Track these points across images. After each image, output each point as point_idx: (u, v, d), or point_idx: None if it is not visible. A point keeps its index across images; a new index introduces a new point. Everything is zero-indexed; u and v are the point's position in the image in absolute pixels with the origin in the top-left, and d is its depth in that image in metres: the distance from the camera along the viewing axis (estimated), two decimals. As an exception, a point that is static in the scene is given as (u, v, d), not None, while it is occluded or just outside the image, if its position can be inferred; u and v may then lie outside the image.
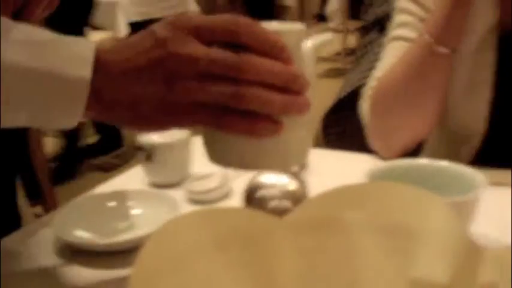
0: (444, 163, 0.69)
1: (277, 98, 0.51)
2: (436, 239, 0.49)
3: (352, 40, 5.02)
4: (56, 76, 0.52)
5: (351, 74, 1.42)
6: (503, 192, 0.83)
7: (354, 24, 4.74)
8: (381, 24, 1.29)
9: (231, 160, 0.56)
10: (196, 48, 0.52)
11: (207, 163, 0.91)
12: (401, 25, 0.97)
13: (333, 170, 0.92)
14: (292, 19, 8.50)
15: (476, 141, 0.95)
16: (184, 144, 0.89)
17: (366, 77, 1.04)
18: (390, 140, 0.94)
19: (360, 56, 1.38)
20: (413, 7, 0.96)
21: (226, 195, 0.84)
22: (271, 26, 0.54)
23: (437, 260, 0.48)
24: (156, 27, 0.54)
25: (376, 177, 0.64)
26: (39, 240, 0.74)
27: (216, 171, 0.87)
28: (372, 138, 0.96)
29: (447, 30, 0.87)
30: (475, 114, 0.94)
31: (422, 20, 0.94)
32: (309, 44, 0.58)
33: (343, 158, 1.00)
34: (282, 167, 0.65)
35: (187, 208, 0.81)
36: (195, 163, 0.92)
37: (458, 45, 0.88)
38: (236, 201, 0.79)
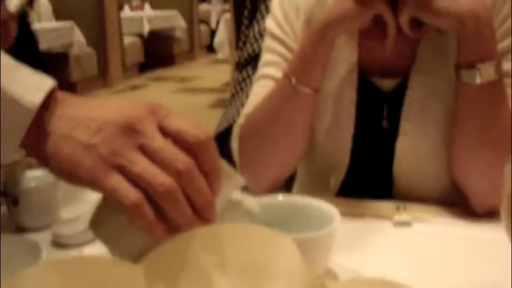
0: (302, 199, 0.72)
1: (189, 213, 0.53)
2: (283, 276, 0.51)
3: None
4: (7, 95, 0.52)
5: (228, 109, 1.45)
6: (364, 223, 0.87)
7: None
8: (255, 61, 1.33)
9: (114, 242, 0.56)
10: (155, 132, 0.53)
11: (76, 206, 0.90)
12: (268, 64, 1.01)
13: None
14: (182, 51, 8.54)
15: (342, 173, 1.00)
16: (51, 188, 0.88)
17: (239, 113, 1.07)
18: (259, 176, 0.97)
19: (235, 92, 1.42)
20: (278, 47, 1.00)
21: (92, 240, 0.82)
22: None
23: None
24: (133, 103, 0.55)
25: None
26: None
27: (84, 213, 0.86)
28: (242, 174, 0.98)
29: (309, 71, 0.91)
30: (339, 147, 0.99)
31: (287, 59, 0.99)
32: (234, 200, 0.60)
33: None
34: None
35: (53, 253, 0.79)
36: (65, 206, 0.90)
37: (319, 85, 0.93)
38: (102, 245, 0.78)
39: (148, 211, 0.51)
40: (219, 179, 0.55)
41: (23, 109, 0.53)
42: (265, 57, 1.03)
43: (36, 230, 0.86)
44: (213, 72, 7.44)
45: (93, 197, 0.86)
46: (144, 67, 7.68)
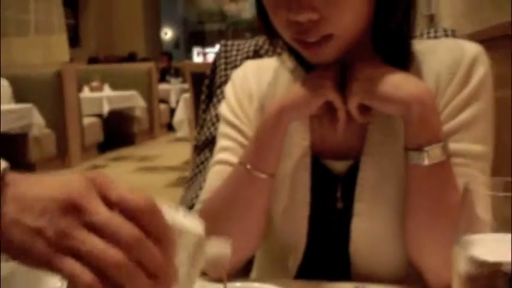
0: (260, 285, 0.73)
1: (145, 282, 0.53)
2: None
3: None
4: None
5: (187, 192, 1.45)
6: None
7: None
8: (212, 145, 1.35)
9: None
10: (98, 205, 0.54)
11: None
12: (223, 149, 1.04)
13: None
14: (141, 130, 8.56)
15: (299, 255, 1.01)
16: (11, 277, 0.86)
17: (198, 196, 1.08)
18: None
19: (194, 175, 1.43)
20: (233, 133, 1.03)
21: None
22: (179, 220, 0.58)
23: None
24: (73, 176, 0.56)
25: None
26: None
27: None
28: (201, 260, 0.99)
29: (263, 157, 0.94)
30: (296, 229, 1.00)
31: (242, 144, 1.01)
32: (205, 254, 0.62)
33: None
34: None
35: None
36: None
37: (274, 170, 0.95)
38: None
39: None
40: (170, 242, 0.55)
41: None
42: (221, 142, 1.05)
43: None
44: (173, 151, 7.46)
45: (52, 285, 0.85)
46: (104, 147, 7.66)
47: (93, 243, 0.52)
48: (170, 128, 8.05)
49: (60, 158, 6.61)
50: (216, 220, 0.97)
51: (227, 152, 1.03)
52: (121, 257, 0.52)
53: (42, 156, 6.23)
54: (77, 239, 0.52)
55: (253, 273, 1.10)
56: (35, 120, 5.98)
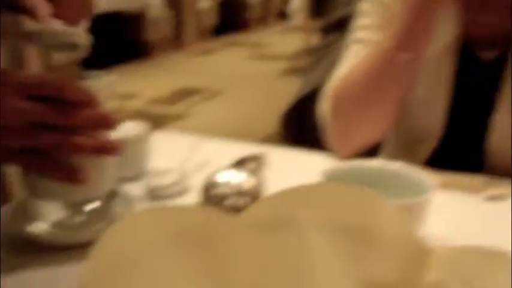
0: (396, 165, 0.71)
1: (89, 142, 0.62)
2: (384, 240, 0.50)
3: (313, 39, 5.04)
4: None
5: (311, 73, 1.43)
6: (454, 195, 0.85)
7: (315, 23, 4.75)
8: (343, 26, 1.30)
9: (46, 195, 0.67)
10: (16, 102, 0.59)
11: (166, 158, 0.92)
12: (362, 28, 0.99)
13: (291, 168, 0.93)
14: (255, 16, 8.50)
15: (432, 143, 0.97)
16: (141, 139, 0.89)
17: (326, 77, 1.05)
18: (347, 140, 0.96)
19: (321, 56, 1.39)
20: (376, 7, 0.97)
21: (183, 191, 0.83)
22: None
23: (385, 260, 0.49)
24: None
25: (331, 177, 0.65)
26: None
27: (174, 166, 0.87)
28: (330, 138, 0.97)
29: (411, 37, 0.88)
30: (432, 117, 0.96)
31: (383, 21, 0.95)
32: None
33: (301, 157, 1.01)
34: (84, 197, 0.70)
35: (145, 203, 0.80)
36: (154, 158, 0.92)
37: (421, 53, 0.89)
38: (193, 197, 0.79)
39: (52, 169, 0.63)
40: (90, 98, 0.62)
41: None
42: (359, 21, 1.00)
43: (125, 180, 0.87)
44: (286, 40, 7.38)
45: (184, 149, 0.87)
46: (219, 31, 7.70)
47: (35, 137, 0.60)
48: (282, 16, 7.92)
49: (176, 40, 6.73)
50: (352, 97, 0.94)
51: (366, 30, 0.97)
52: (57, 137, 0.61)
53: (158, 37, 6.37)
54: (17, 138, 0.60)
55: (381, 154, 1.07)
56: (152, 1, 6.08)
